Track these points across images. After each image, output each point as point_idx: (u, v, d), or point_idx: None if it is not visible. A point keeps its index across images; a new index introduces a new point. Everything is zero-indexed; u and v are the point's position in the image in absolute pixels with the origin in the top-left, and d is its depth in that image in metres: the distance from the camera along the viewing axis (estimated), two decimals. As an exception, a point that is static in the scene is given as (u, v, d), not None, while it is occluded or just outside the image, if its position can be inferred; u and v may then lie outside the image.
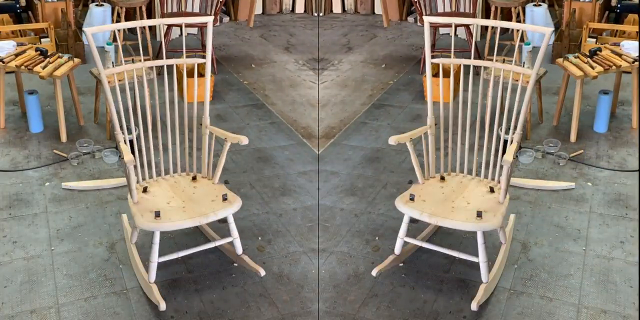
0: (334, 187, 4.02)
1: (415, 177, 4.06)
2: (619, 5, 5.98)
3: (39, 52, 4.60)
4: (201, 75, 5.38)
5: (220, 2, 5.65)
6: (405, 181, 4.07)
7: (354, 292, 3.15)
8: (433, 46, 5.82)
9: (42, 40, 5.33)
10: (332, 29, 6.93)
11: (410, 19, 7.11)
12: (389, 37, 6.60)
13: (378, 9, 7.25)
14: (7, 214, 3.71)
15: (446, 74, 5.40)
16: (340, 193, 3.96)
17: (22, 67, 4.42)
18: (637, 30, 5.32)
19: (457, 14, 5.71)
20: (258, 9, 7.30)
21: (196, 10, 5.95)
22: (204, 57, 5.67)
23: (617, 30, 5.61)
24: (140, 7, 5.68)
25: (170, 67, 4.77)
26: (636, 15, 5.74)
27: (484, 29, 6.42)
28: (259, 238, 3.54)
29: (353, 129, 4.73)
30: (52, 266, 3.30)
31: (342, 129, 4.71)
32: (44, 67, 4.41)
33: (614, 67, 4.43)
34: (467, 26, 5.58)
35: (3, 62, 4.45)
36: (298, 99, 5.23)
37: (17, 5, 5.91)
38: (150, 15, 6.34)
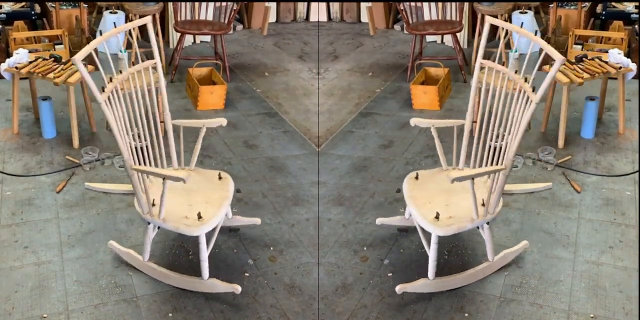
0: (321, 197, 3.99)
1: (402, 185, 4.06)
2: (604, 12, 6.01)
3: (53, 58, 4.67)
4: (214, 82, 5.37)
5: (234, 10, 5.65)
6: (393, 190, 4.05)
7: (342, 303, 3.12)
8: (420, 54, 5.83)
9: (56, 46, 5.37)
10: (320, 37, 6.93)
11: (397, 27, 7.12)
12: (375, 45, 6.60)
13: (364, 17, 7.26)
14: (19, 219, 3.71)
15: (433, 82, 5.40)
16: (327, 203, 3.93)
17: (36, 73, 4.46)
18: (622, 36, 5.35)
19: (443, 22, 5.72)
20: (272, 17, 7.29)
21: (210, 18, 5.95)
22: (216, 64, 5.72)
23: (602, 37, 5.63)
24: (154, 15, 5.69)
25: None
26: (621, 22, 5.77)
27: (471, 36, 6.44)
28: (271, 248, 3.51)
29: (340, 138, 4.71)
30: (62, 272, 3.30)
31: (328, 139, 4.69)
32: (57, 74, 4.44)
33: (600, 73, 4.45)
34: (453, 33, 5.59)
35: (17, 69, 4.50)
36: (312, 108, 5.20)
37: (32, 12, 5.96)
38: (163, 23, 6.33)
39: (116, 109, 2.96)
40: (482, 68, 3.29)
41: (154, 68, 3.31)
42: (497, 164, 3.13)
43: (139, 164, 3.12)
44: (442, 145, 3.46)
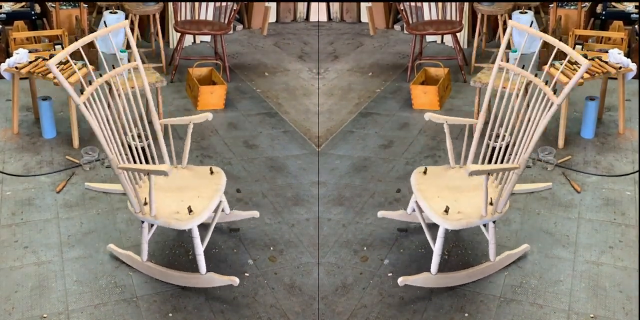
0: (321, 197, 3.99)
1: (402, 185, 4.06)
2: (604, 12, 6.01)
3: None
4: (214, 82, 5.37)
5: (234, 10, 5.65)
6: (393, 190, 4.05)
7: (342, 303, 3.12)
8: (420, 54, 5.83)
9: (56, 46, 5.36)
10: (320, 37, 6.93)
11: (397, 27, 7.12)
12: (375, 45, 6.60)
13: (364, 17, 7.26)
14: (19, 219, 3.72)
15: (433, 82, 5.40)
16: (327, 203, 3.93)
17: (36, 73, 4.47)
18: (622, 36, 5.35)
19: (443, 22, 5.72)
20: (272, 17, 7.29)
21: (210, 18, 5.96)
22: (216, 64, 5.72)
23: (602, 37, 5.63)
24: (154, 15, 5.69)
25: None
26: (621, 22, 5.76)
27: (471, 36, 6.44)
28: (271, 248, 3.51)
29: (340, 138, 4.71)
30: (62, 272, 3.30)
31: (328, 139, 4.69)
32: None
33: (600, 73, 4.45)
34: (453, 33, 5.59)
35: (17, 69, 4.51)
36: (312, 108, 5.20)
37: (32, 12, 5.96)
38: (163, 23, 6.33)
39: (98, 109, 2.96)
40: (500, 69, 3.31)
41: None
42: (507, 164, 3.15)
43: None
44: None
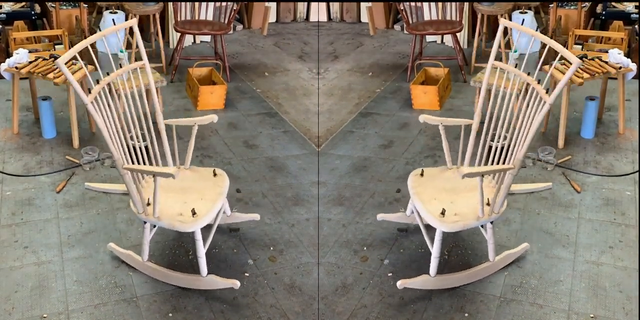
0: (321, 197, 3.99)
1: (402, 185, 4.06)
2: (604, 12, 6.01)
3: (52, 58, 4.67)
4: (214, 82, 5.37)
5: (234, 10, 5.65)
6: (393, 190, 4.05)
7: (342, 303, 3.12)
8: (420, 54, 5.82)
9: (56, 46, 5.36)
10: (320, 37, 6.93)
11: (397, 27, 7.12)
12: (375, 45, 6.60)
13: (364, 17, 7.26)
14: (19, 219, 3.72)
15: (433, 82, 5.40)
16: (327, 203, 3.93)
17: (36, 73, 4.47)
18: (622, 36, 5.35)
19: (443, 22, 5.72)
20: (272, 17, 7.29)
21: (210, 18, 5.96)
22: (216, 64, 5.72)
23: (602, 37, 5.63)
24: (154, 15, 5.70)
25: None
26: (621, 22, 5.76)
27: (471, 36, 6.44)
28: (271, 248, 3.51)
29: (340, 138, 4.71)
30: (62, 272, 3.30)
31: (328, 139, 4.69)
32: (57, 74, 4.44)
33: (600, 73, 4.45)
34: (453, 33, 5.59)
35: (17, 69, 4.51)
36: (312, 108, 5.20)
37: (32, 12, 5.97)
38: (163, 23, 6.33)
39: (105, 109, 2.96)
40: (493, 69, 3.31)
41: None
42: (502, 164, 3.15)
43: (133, 164, 3.13)
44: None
